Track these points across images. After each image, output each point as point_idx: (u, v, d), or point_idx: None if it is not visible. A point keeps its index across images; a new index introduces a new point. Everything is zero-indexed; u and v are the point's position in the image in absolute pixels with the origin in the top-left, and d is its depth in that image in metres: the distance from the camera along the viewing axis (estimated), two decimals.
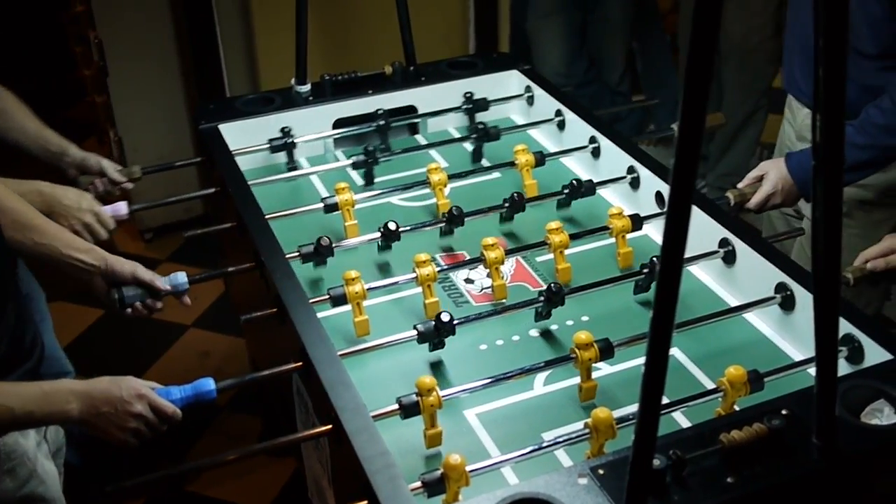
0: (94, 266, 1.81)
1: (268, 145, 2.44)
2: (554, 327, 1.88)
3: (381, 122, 2.52)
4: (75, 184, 2.22)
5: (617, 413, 1.52)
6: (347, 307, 1.83)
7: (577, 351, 1.63)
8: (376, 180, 2.40)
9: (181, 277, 1.89)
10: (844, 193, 2.29)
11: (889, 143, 2.06)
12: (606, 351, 1.64)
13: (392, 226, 2.03)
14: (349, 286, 1.82)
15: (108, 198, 2.23)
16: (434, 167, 2.24)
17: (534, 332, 1.87)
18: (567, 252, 2.01)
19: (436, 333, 1.72)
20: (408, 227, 2.07)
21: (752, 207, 2.14)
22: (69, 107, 4.64)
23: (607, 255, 2.07)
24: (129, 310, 1.84)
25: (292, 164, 2.48)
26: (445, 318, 1.71)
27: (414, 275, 1.87)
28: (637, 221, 2.04)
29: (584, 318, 1.90)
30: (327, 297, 1.82)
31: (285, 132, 2.45)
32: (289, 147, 2.45)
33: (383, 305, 1.95)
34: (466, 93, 2.63)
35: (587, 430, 1.47)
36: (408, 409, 1.53)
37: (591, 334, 1.64)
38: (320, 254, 1.97)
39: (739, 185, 2.18)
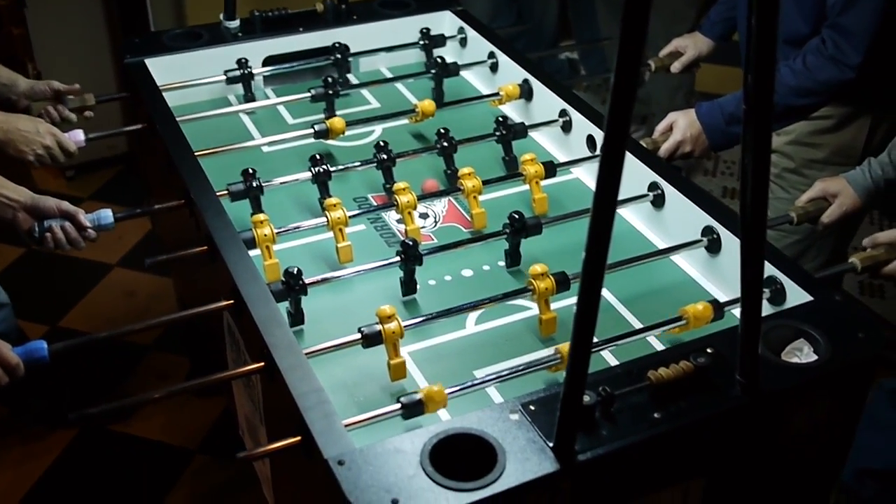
0: (19, 202, 1.77)
1: (199, 80, 2.39)
2: (486, 267, 1.89)
3: (338, 56, 2.49)
4: (28, 112, 2.20)
5: (538, 354, 1.59)
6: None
7: (533, 282, 1.65)
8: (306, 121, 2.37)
9: (107, 214, 1.86)
10: (795, 153, 2.37)
11: (795, 104, 2.12)
12: (563, 283, 1.67)
13: (322, 168, 2.01)
14: (257, 229, 1.80)
15: (65, 126, 2.21)
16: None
17: (467, 273, 1.88)
18: (494, 195, 2.04)
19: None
20: (340, 168, 2.07)
21: (661, 155, 2.16)
22: None
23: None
24: (47, 234, 1.81)
25: (250, 96, 2.43)
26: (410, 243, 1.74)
27: (324, 219, 1.86)
28: (550, 168, 2.05)
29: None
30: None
31: (241, 63, 2.40)
32: (246, 78, 2.41)
33: (317, 244, 1.95)
34: (423, 28, 2.61)
35: (558, 356, 1.52)
36: (370, 339, 1.54)
37: (546, 266, 1.67)
38: (250, 192, 1.95)
39: (653, 136, 2.23)
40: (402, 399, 1.43)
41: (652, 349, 1.64)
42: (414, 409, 1.43)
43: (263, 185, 1.96)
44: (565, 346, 1.52)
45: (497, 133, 2.19)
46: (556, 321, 1.68)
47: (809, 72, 2.06)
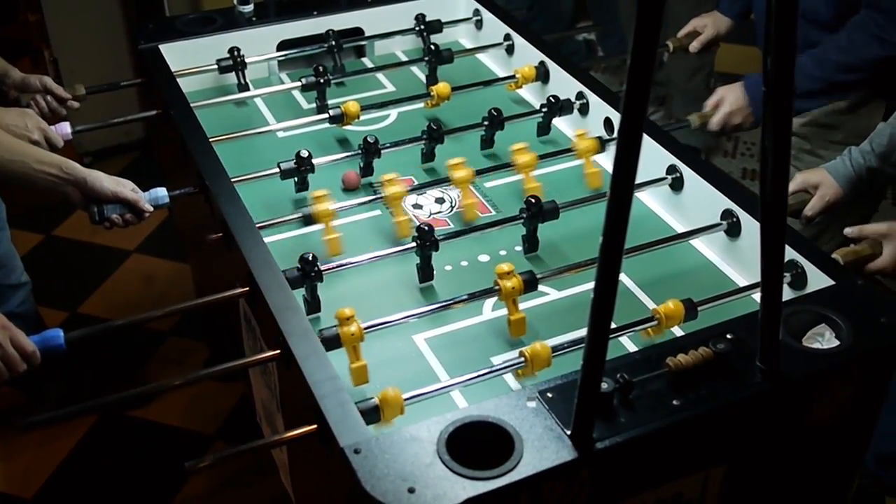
0: (67, 179, 1.78)
1: (214, 66, 2.38)
2: (503, 252, 1.88)
3: (332, 43, 2.46)
4: (17, 103, 2.18)
5: (556, 340, 1.57)
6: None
7: (499, 282, 1.61)
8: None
9: (161, 192, 1.89)
10: (812, 134, 2.36)
11: (841, 80, 2.13)
12: (530, 283, 1.63)
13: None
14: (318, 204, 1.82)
15: (52, 118, 2.19)
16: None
17: (483, 258, 1.87)
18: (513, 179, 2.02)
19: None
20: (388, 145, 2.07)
21: (712, 129, 2.24)
22: (0, 26, 4.47)
23: (567, 177, 2.08)
24: (106, 223, 1.83)
25: (244, 85, 2.41)
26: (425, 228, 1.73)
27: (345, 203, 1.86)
28: (602, 143, 2.05)
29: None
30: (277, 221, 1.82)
31: (233, 53, 2.38)
32: (238, 68, 2.38)
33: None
34: (418, 14, 2.58)
35: (523, 359, 1.49)
36: (328, 342, 1.49)
37: (512, 265, 1.63)
38: (302, 173, 1.96)
39: (703, 111, 2.28)
40: (359, 406, 1.36)
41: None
42: (370, 415, 1.37)
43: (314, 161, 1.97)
44: (535, 347, 1.49)
45: (542, 111, 2.22)
46: (525, 322, 1.65)
47: (854, 48, 2.06)
